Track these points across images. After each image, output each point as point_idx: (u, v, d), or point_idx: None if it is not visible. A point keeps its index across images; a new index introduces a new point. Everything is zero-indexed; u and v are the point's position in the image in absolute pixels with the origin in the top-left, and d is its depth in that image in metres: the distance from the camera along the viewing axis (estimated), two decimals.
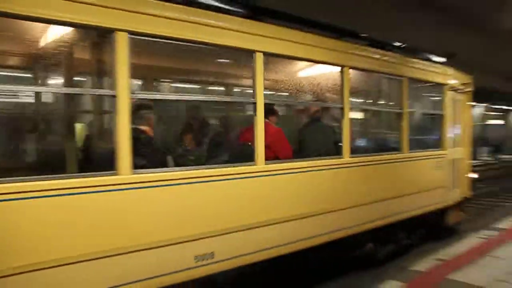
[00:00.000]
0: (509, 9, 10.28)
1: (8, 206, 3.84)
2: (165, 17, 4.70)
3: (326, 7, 11.63)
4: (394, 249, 8.51)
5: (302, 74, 6.82)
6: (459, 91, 9.65)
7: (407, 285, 6.51)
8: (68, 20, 4.18)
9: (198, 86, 7.52)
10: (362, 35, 7.31)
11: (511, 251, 8.21)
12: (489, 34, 16.20)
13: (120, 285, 4.49)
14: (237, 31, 5.31)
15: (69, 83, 5.68)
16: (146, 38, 4.61)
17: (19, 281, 3.92)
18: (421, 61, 8.53)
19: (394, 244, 8.51)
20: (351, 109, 6.79)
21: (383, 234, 7.96)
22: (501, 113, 33.75)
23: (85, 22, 4.25)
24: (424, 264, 7.44)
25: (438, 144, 9.14)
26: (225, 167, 5.33)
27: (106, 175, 4.43)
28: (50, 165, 4.78)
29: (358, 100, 7.74)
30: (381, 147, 8.09)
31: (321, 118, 7.20)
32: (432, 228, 9.51)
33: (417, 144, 8.45)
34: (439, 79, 8.97)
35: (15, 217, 3.89)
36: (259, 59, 5.44)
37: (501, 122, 33.57)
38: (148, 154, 4.90)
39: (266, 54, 5.51)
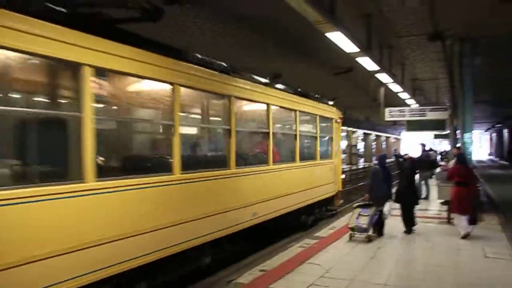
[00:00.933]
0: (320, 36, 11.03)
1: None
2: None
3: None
4: (314, 218, 13.71)
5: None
6: (337, 121, 15.60)
7: None
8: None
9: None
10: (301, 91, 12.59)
11: (326, 258, 9.11)
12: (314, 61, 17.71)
13: (227, 228, 8.45)
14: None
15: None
16: None
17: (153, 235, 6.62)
18: (322, 104, 14.25)
19: (313, 215, 13.75)
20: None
21: (309, 209, 13.17)
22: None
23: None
24: (248, 276, 7.75)
25: (330, 155, 15.07)
26: (255, 166, 9.89)
27: (223, 169, 8.61)
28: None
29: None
30: (307, 156, 13.09)
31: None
32: (327, 208, 14.98)
33: (323, 155, 14.24)
34: (330, 115, 14.95)
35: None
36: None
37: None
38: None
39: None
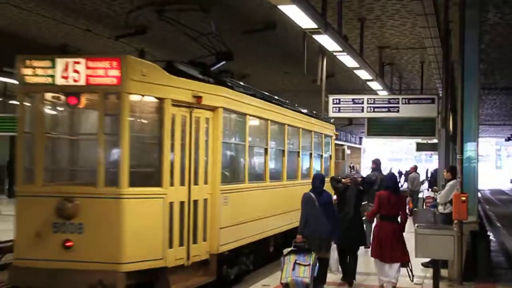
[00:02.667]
0: None
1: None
2: None
3: None
4: None
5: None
6: (333, 138, 26.86)
7: None
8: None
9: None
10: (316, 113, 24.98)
11: None
12: None
13: (282, 226, 20.24)
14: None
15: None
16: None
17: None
18: (326, 123, 25.58)
19: None
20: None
21: None
22: None
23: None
24: None
25: (329, 174, 25.60)
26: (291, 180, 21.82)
27: (278, 181, 20.53)
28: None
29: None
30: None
31: None
32: None
33: (325, 173, 24.81)
34: (330, 133, 26.17)
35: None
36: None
37: None
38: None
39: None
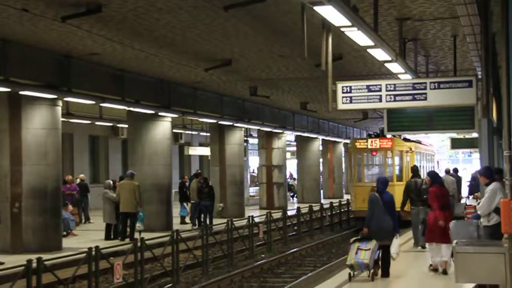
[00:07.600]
0: None
1: None
2: None
3: None
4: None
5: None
6: (434, 155, 79.68)
7: None
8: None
9: None
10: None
11: None
12: None
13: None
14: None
15: None
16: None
17: None
18: (430, 147, 76.85)
19: None
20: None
21: None
22: None
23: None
24: None
25: None
26: None
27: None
28: None
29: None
30: None
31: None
32: None
33: None
34: (432, 152, 75.53)
35: None
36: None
37: None
38: None
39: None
